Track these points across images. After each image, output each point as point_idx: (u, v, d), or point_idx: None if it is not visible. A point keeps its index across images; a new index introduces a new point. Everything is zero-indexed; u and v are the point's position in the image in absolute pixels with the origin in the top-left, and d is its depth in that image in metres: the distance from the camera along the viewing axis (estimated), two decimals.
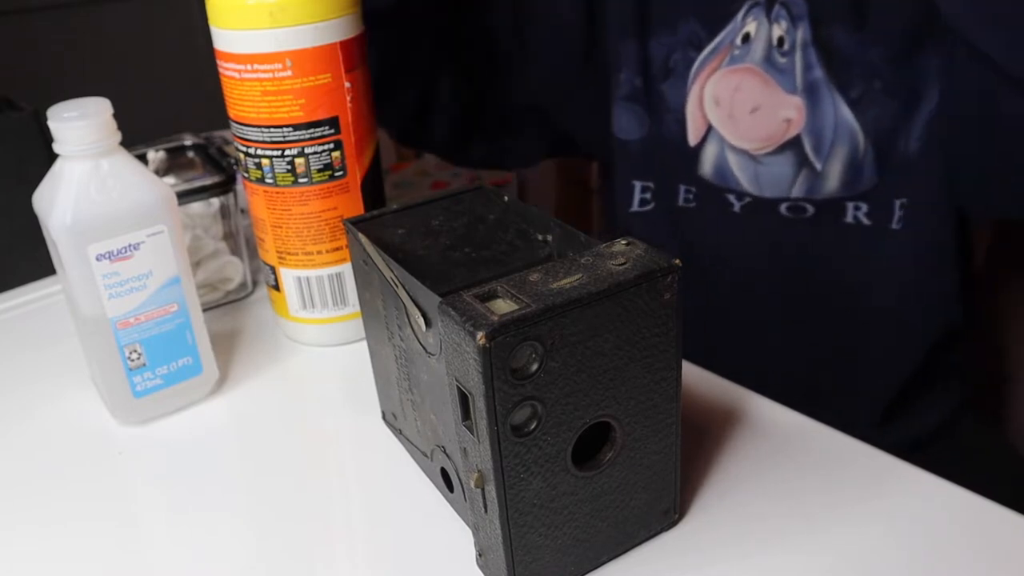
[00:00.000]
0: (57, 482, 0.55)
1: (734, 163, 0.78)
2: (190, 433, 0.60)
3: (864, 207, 0.76)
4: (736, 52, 0.75)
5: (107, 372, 0.58)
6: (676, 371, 0.43)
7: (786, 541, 0.47)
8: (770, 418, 0.57)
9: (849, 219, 0.77)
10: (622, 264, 0.40)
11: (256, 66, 0.56)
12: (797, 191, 0.77)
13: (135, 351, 0.57)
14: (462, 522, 0.49)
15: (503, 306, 0.38)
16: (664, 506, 0.47)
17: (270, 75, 0.56)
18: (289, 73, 0.56)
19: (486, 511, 0.42)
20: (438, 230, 0.55)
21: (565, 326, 0.38)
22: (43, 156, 0.68)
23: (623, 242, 0.42)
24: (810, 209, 0.78)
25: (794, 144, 0.75)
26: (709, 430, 0.56)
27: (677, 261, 0.41)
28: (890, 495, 0.50)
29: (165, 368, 0.59)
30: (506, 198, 0.55)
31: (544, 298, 0.38)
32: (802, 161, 0.75)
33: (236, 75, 0.58)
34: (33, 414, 0.63)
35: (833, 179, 0.75)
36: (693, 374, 0.63)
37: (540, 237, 0.54)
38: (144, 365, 0.58)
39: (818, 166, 0.75)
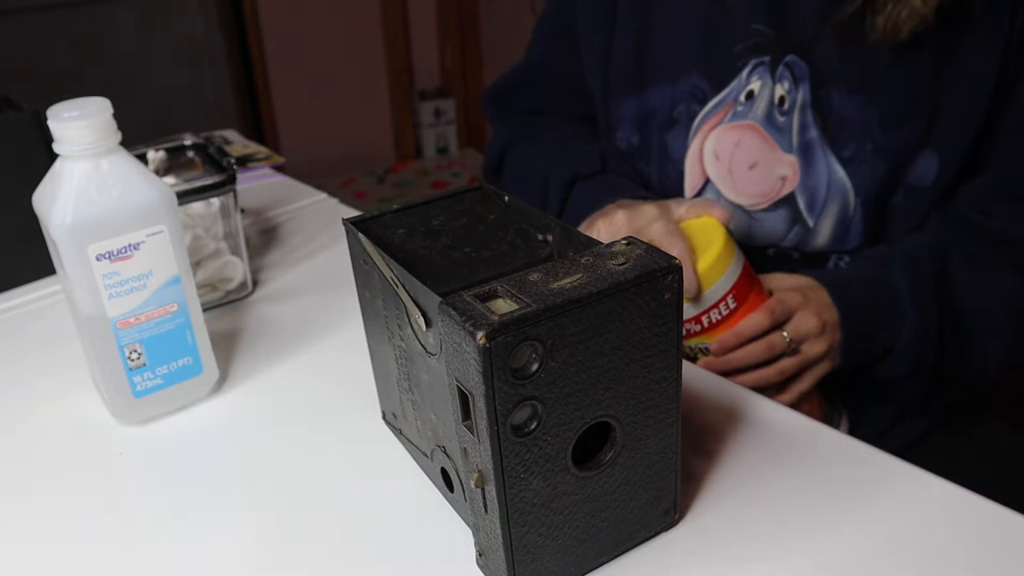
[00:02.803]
0: (57, 481, 0.55)
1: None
2: (190, 433, 0.60)
3: (846, 258, 0.79)
4: (739, 108, 0.77)
5: (107, 372, 0.58)
6: (676, 371, 0.43)
7: (786, 541, 0.47)
8: (770, 418, 0.57)
9: (830, 265, 0.80)
10: (622, 264, 0.40)
11: None
12: (787, 244, 0.80)
13: (135, 351, 0.57)
14: (462, 522, 0.49)
15: (503, 306, 0.38)
16: (664, 506, 0.47)
17: None
18: None
19: (486, 511, 0.42)
20: (438, 230, 0.55)
21: (565, 326, 0.38)
22: (43, 156, 0.68)
23: (623, 242, 0.42)
24: (795, 255, 0.80)
25: (788, 201, 0.77)
26: (709, 430, 0.56)
27: (677, 261, 0.41)
28: (890, 495, 0.50)
29: (165, 368, 0.59)
30: (506, 198, 0.55)
31: (544, 298, 0.38)
32: (795, 218, 0.78)
33: None
34: (33, 414, 0.63)
35: (823, 235, 0.78)
36: (693, 374, 0.63)
37: (540, 237, 0.54)
38: (144, 365, 0.58)
39: (810, 223, 0.77)
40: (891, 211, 0.77)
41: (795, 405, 0.73)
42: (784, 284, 0.73)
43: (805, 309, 0.70)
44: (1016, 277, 0.74)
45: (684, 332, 0.70)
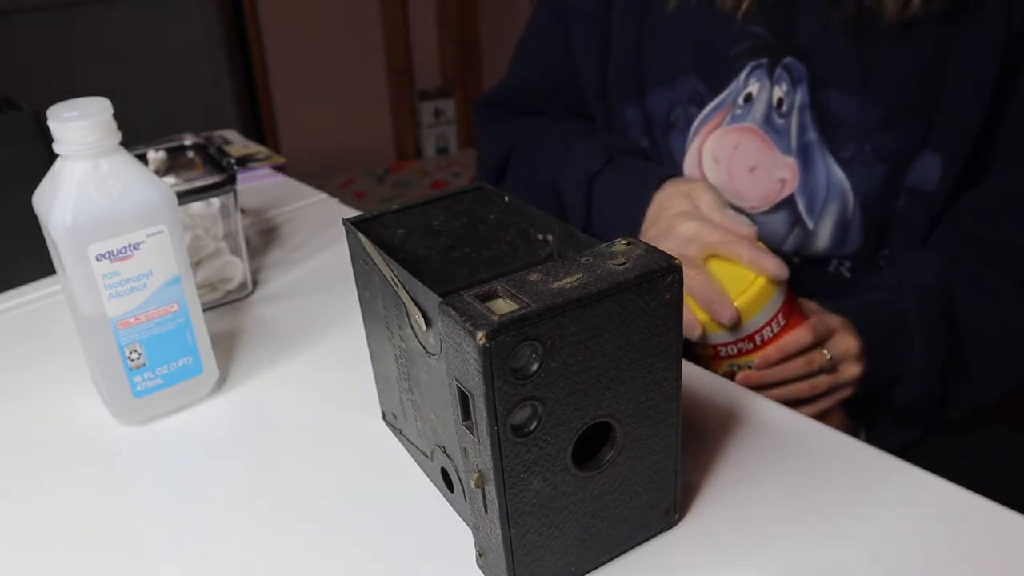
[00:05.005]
0: (57, 481, 0.55)
1: None
2: (190, 433, 0.60)
3: (847, 264, 0.79)
4: (738, 111, 0.76)
5: (107, 372, 0.58)
6: (676, 371, 0.43)
7: (786, 541, 0.47)
8: (770, 418, 0.57)
9: (831, 270, 0.80)
10: (622, 264, 0.40)
11: None
12: (788, 247, 0.79)
13: (135, 351, 0.57)
14: (462, 522, 0.49)
15: (503, 306, 0.38)
16: (664, 506, 0.47)
17: None
18: None
19: (486, 511, 0.42)
20: (438, 230, 0.55)
21: (565, 326, 0.38)
22: (43, 156, 0.68)
23: (623, 242, 0.42)
24: (796, 261, 0.80)
25: (788, 203, 0.77)
26: (709, 430, 0.56)
27: (678, 261, 0.41)
28: (890, 495, 0.50)
29: (165, 368, 0.59)
30: (506, 198, 0.55)
31: (544, 298, 0.38)
32: (795, 220, 0.77)
33: None
34: (33, 414, 0.63)
35: (823, 237, 0.78)
36: (693, 374, 0.63)
37: (540, 237, 0.54)
38: (144, 365, 0.58)
39: (810, 224, 0.77)
40: (894, 216, 0.76)
41: (822, 419, 0.73)
42: (816, 309, 0.73)
43: (845, 331, 0.71)
44: (1019, 295, 0.74)
45: (736, 351, 0.71)
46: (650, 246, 0.42)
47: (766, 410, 0.58)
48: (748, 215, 0.78)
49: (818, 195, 0.75)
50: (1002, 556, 0.45)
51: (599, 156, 0.84)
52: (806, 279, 0.79)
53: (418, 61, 3.29)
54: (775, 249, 0.79)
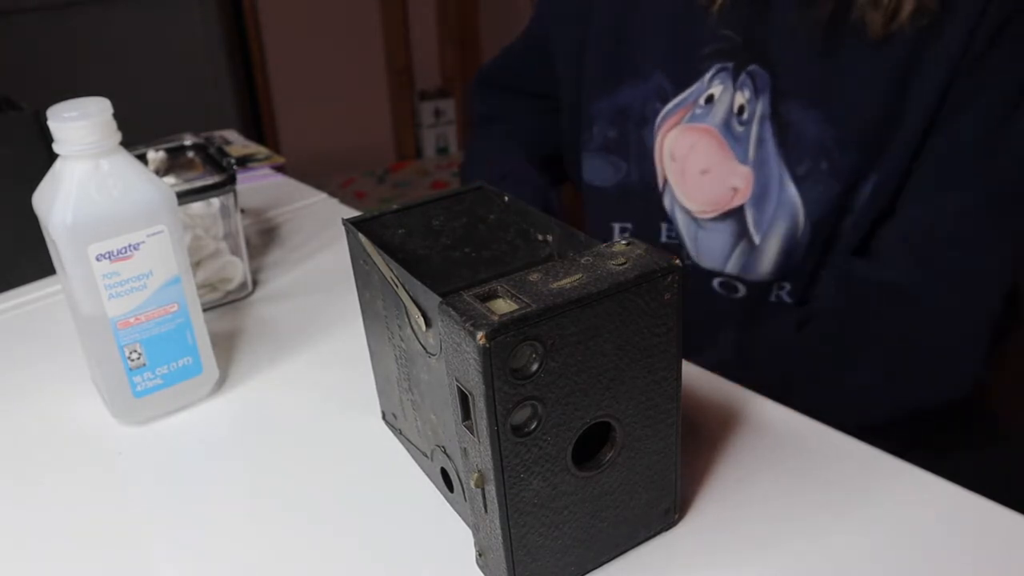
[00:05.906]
0: (57, 481, 0.55)
1: (680, 222, 0.79)
2: (190, 433, 0.60)
3: (787, 287, 0.78)
4: (698, 111, 0.76)
5: (107, 372, 0.58)
6: (676, 371, 0.43)
7: (786, 541, 0.47)
8: (770, 418, 0.57)
9: (772, 299, 0.79)
10: (622, 264, 0.40)
11: None
12: (732, 266, 0.78)
13: (135, 351, 0.57)
14: (462, 522, 0.49)
15: (503, 306, 0.38)
16: (664, 506, 0.47)
17: None
18: None
19: (486, 511, 0.42)
20: (438, 230, 0.55)
21: (565, 326, 0.38)
22: (43, 156, 0.68)
23: (623, 242, 0.42)
24: (741, 289, 0.79)
25: (736, 214, 0.76)
26: (709, 430, 0.56)
27: (677, 261, 0.41)
28: (889, 495, 0.50)
29: (165, 368, 0.59)
30: (506, 198, 0.55)
31: (544, 298, 0.38)
32: (742, 232, 0.76)
33: None
34: (33, 414, 0.63)
35: (769, 256, 0.76)
36: (693, 374, 0.63)
37: (540, 237, 0.54)
38: (144, 365, 0.58)
39: (756, 239, 0.76)
40: (840, 237, 0.74)
41: None
42: None
43: None
44: (870, 372, 0.71)
45: None
46: (649, 246, 0.42)
47: (766, 410, 0.58)
48: (696, 220, 0.77)
49: (767, 210, 0.74)
50: (1002, 556, 0.45)
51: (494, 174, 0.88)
52: (749, 309, 0.77)
53: (418, 61, 3.29)
54: (719, 269, 0.78)
